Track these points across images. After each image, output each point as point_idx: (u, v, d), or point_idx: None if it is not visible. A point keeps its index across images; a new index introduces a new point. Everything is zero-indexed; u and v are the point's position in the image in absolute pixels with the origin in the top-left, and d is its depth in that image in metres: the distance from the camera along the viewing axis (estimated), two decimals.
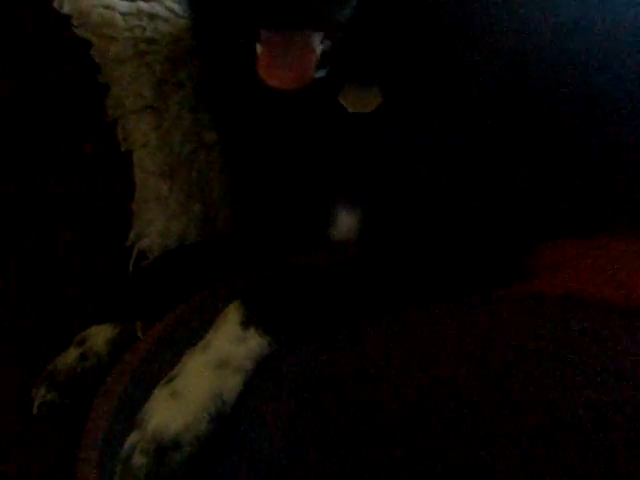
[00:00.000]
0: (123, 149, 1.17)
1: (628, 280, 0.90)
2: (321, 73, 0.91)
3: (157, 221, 1.16)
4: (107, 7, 1.22)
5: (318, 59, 0.89)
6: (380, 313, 0.86)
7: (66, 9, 1.20)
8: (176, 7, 1.26)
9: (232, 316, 0.82)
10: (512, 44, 1.06)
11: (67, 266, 1.22)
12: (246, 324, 0.81)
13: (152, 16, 1.25)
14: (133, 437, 0.77)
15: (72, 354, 1.03)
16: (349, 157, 1.03)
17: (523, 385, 0.70)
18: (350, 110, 1.00)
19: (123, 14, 1.22)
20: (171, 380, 0.79)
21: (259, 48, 0.89)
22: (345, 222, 1.06)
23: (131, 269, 1.16)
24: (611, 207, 1.16)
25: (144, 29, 1.22)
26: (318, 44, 0.88)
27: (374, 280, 0.91)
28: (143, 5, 1.26)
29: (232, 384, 0.78)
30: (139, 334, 1.04)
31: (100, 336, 1.04)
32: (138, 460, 0.75)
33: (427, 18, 1.00)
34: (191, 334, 0.88)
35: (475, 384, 0.71)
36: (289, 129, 1.04)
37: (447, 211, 1.01)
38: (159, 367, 0.88)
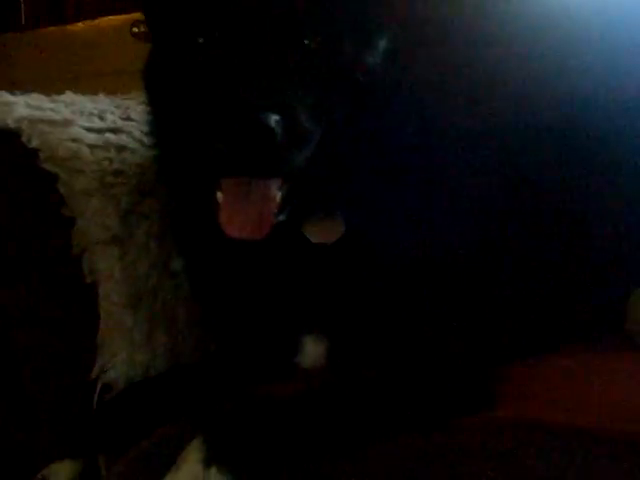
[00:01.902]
0: (88, 281, 1.15)
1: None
2: (282, 217, 0.93)
3: (122, 353, 1.14)
4: (75, 140, 1.21)
5: (278, 205, 0.91)
6: (347, 445, 0.85)
7: (34, 143, 1.19)
8: (144, 138, 1.26)
9: (193, 455, 0.81)
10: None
11: (29, 399, 1.20)
12: (207, 462, 0.80)
13: (120, 148, 1.25)
14: None
15: None
16: (315, 286, 1.04)
17: None
18: (313, 241, 1.01)
19: (91, 147, 1.22)
20: None
21: (220, 196, 0.90)
22: (313, 350, 1.06)
23: (95, 402, 1.14)
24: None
25: (111, 161, 1.22)
26: (277, 190, 0.91)
27: (340, 412, 0.90)
28: (111, 137, 1.26)
29: None
30: (102, 469, 1.02)
31: (61, 473, 1.02)
32: None
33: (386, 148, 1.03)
34: (153, 472, 0.86)
35: None
36: (254, 259, 1.05)
37: (415, 338, 1.01)
38: None
